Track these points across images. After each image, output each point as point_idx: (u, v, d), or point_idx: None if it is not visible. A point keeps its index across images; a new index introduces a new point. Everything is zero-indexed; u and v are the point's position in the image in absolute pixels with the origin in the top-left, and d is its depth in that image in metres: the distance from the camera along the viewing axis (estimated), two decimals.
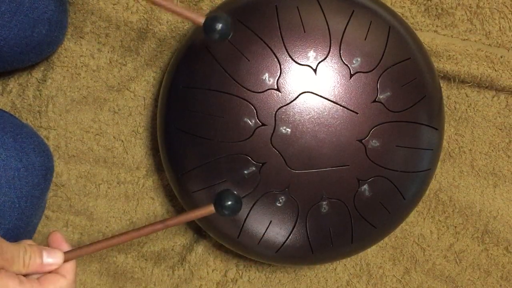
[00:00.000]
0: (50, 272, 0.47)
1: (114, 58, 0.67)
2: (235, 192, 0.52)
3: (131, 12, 0.66)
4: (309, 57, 0.54)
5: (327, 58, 0.54)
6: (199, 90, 0.56)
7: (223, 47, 0.56)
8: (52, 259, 0.47)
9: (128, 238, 0.49)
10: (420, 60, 0.58)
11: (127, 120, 0.68)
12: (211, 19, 0.48)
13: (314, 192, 0.56)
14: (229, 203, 0.50)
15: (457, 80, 0.68)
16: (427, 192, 0.70)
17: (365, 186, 0.56)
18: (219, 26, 0.48)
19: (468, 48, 0.67)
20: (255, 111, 0.54)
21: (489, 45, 0.68)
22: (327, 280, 0.72)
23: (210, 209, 0.50)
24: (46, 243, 0.49)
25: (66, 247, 0.49)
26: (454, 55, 0.67)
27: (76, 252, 0.49)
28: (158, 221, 0.49)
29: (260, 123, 0.54)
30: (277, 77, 0.54)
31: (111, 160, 0.69)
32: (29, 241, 0.48)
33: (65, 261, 0.48)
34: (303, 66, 0.54)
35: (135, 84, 0.68)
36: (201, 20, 0.48)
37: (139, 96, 0.68)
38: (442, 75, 0.68)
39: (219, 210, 0.50)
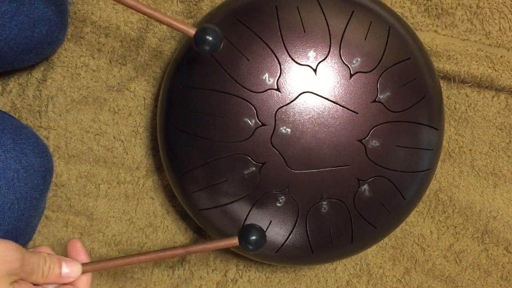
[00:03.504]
0: (66, 284, 0.47)
1: (114, 58, 0.67)
2: (260, 226, 0.52)
3: (131, 12, 0.66)
4: (309, 57, 0.54)
5: (327, 58, 0.54)
6: (199, 90, 0.56)
7: (223, 47, 0.56)
8: (70, 270, 0.47)
9: (147, 259, 0.49)
10: (420, 60, 0.58)
11: (127, 120, 0.68)
12: (201, 31, 0.48)
13: (314, 192, 0.56)
14: (254, 237, 0.50)
15: (457, 80, 0.68)
16: (427, 192, 0.70)
17: (365, 186, 0.56)
18: (209, 38, 0.48)
19: (468, 48, 0.67)
20: (255, 111, 0.54)
21: (489, 45, 0.68)
22: (327, 280, 0.72)
23: (234, 241, 0.50)
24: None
25: (85, 258, 0.49)
26: (454, 55, 0.67)
27: (94, 265, 0.48)
28: (180, 247, 0.49)
29: (260, 123, 0.54)
30: (277, 77, 0.54)
31: (111, 160, 0.69)
32: (48, 250, 0.48)
33: (83, 273, 0.48)
34: (303, 66, 0.54)
35: (135, 84, 0.68)
36: (192, 32, 0.48)
37: (139, 96, 0.68)
38: (442, 75, 0.68)
39: (243, 244, 0.50)
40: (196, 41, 0.48)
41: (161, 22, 0.48)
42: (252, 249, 0.51)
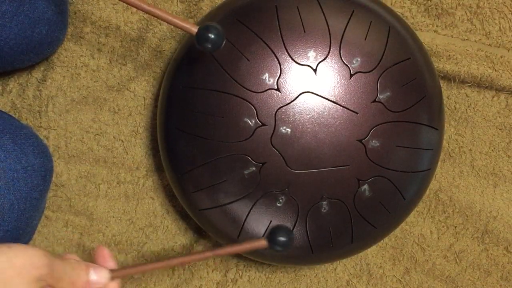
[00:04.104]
0: None
1: (114, 58, 0.67)
2: (287, 227, 0.51)
3: (131, 12, 0.66)
4: (309, 57, 0.54)
5: (327, 58, 0.54)
6: (199, 90, 0.56)
7: (223, 47, 0.56)
8: (98, 277, 0.46)
9: (175, 263, 0.49)
10: (420, 60, 0.58)
11: (127, 120, 0.68)
12: (203, 29, 0.48)
13: (314, 192, 0.56)
14: (282, 239, 0.49)
15: (457, 80, 0.68)
16: (427, 192, 0.70)
17: (365, 186, 0.56)
18: (212, 36, 0.48)
19: (468, 48, 0.67)
20: (255, 111, 0.54)
21: (489, 45, 0.68)
22: (327, 280, 0.72)
23: (263, 242, 0.50)
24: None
25: (112, 264, 0.48)
26: (454, 55, 0.67)
27: (122, 272, 0.48)
28: (208, 250, 0.49)
29: (260, 123, 0.54)
30: (277, 77, 0.54)
31: (111, 160, 0.69)
32: (75, 257, 0.48)
33: (111, 279, 0.47)
34: (303, 66, 0.54)
35: (135, 84, 0.68)
36: (194, 30, 0.49)
37: (139, 96, 0.68)
38: (442, 75, 0.68)
39: (272, 245, 0.50)
40: (198, 39, 0.48)
41: (163, 20, 0.48)
42: (280, 250, 0.50)
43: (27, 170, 0.55)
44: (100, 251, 0.49)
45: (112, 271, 0.47)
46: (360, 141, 0.55)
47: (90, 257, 0.70)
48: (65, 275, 0.44)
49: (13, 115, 0.66)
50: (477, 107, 0.69)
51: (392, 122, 0.55)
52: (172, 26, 0.67)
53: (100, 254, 0.49)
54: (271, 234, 0.50)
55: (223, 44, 0.49)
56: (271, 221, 0.57)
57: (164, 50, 0.68)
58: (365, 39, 0.55)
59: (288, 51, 0.54)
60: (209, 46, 0.49)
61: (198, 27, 0.49)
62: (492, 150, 0.70)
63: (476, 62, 0.67)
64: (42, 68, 0.67)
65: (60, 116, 0.67)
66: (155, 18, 0.66)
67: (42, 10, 0.56)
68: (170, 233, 0.71)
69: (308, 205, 0.56)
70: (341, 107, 0.54)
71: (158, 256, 0.71)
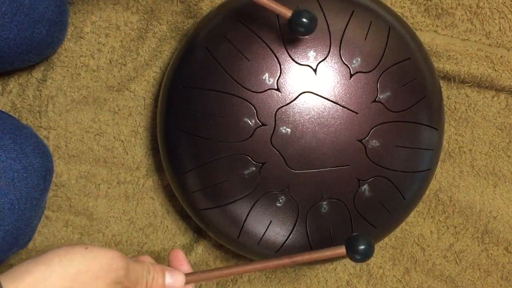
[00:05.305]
0: None
1: (114, 58, 0.67)
2: (368, 235, 0.50)
3: (131, 12, 0.66)
4: (309, 57, 0.54)
5: (327, 58, 0.54)
6: (199, 90, 0.56)
7: (223, 47, 0.56)
8: (174, 280, 0.46)
9: (251, 269, 0.48)
10: (420, 60, 0.58)
11: (127, 120, 0.68)
12: (297, 13, 0.49)
13: (314, 192, 0.56)
14: (362, 247, 0.48)
15: (457, 80, 0.68)
16: (427, 192, 0.70)
17: (365, 186, 0.56)
18: (305, 20, 0.49)
19: (468, 48, 0.67)
20: (255, 111, 0.54)
21: (489, 45, 0.68)
22: (327, 280, 0.72)
23: (342, 251, 0.49)
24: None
25: (187, 268, 0.48)
26: (454, 55, 0.67)
27: (197, 276, 0.47)
28: (286, 256, 0.48)
29: (260, 123, 0.54)
30: (277, 77, 0.54)
31: (111, 160, 0.69)
32: (150, 259, 0.48)
33: (186, 283, 0.47)
34: (303, 66, 0.54)
35: (135, 84, 0.68)
36: (288, 14, 0.50)
37: (139, 96, 0.68)
38: (442, 75, 0.68)
39: (351, 255, 0.49)
40: (291, 23, 0.50)
41: (258, 3, 0.50)
42: (359, 260, 0.48)
43: (27, 170, 0.55)
44: (175, 254, 0.49)
45: (187, 275, 0.47)
46: (360, 141, 0.55)
47: None
48: (142, 278, 0.44)
49: (13, 115, 0.66)
50: (477, 107, 0.69)
51: (392, 122, 0.55)
52: (172, 26, 0.67)
53: (175, 257, 0.49)
54: (351, 243, 0.48)
55: (315, 30, 0.50)
56: (271, 221, 0.57)
57: (164, 50, 0.68)
58: (365, 39, 0.55)
59: (288, 51, 0.54)
60: (302, 30, 0.50)
61: (292, 11, 0.50)
62: (492, 150, 0.70)
63: (476, 62, 0.67)
64: (42, 68, 0.67)
65: (60, 116, 0.67)
66: (155, 18, 0.66)
67: (42, 10, 0.56)
68: (170, 233, 0.71)
69: (308, 205, 0.56)
70: (341, 107, 0.54)
71: (158, 255, 0.71)
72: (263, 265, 0.48)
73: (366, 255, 0.48)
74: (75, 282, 0.39)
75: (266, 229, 0.58)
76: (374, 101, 0.55)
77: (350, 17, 0.56)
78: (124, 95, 0.68)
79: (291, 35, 0.54)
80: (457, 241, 0.72)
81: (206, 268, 0.71)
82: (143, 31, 0.67)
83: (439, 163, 0.69)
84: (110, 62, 0.67)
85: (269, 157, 0.55)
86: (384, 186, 0.57)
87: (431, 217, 0.72)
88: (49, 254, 0.40)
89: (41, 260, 0.39)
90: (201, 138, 0.56)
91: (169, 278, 0.46)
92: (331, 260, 0.66)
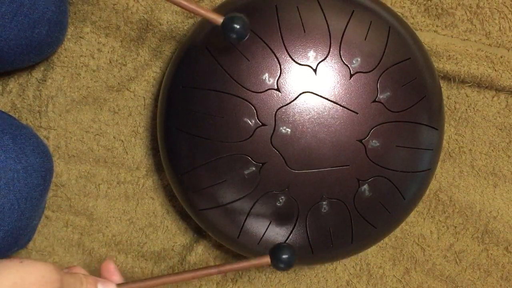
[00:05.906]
0: None
1: (114, 58, 0.67)
2: (291, 245, 0.52)
3: (131, 12, 0.66)
4: (309, 57, 0.54)
5: (327, 58, 0.54)
6: (199, 90, 0.56)
7: (223, 47, 0.56)
8: None
9: (181, 278, 0.50)
10: (420, 60, 0.58)
11: (127, 120, 0.68)
12: (229, 19, 0.49)
13: (314, 192, 0.56)
14: (285, 256, 0.50)
15: (457, 80, 0.68)
16: (427, 192, 0.70)
17: (365, 186, 0.56)
18: (237, 26, 0.49)
19: (468, 48, 0.67)
20: (255, 111, 0.54)
21: (489, 45, 0.68)
22: (327, 280, 0.72)
23: (266, 260, 0.51)
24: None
25: (119, 278, 0.50)
26: (454, 55, 0.67)
27: (129, 286, 0.49)
28: (213, 266, 0.50)
29: (260, 123, 0.54)
30: (277, 77, 0.54)
31: (111, 160, 0.69)
32: (81, 270, 0.49)
33: None
34: (303, 66, 0.54)
35: (135, 84, 0.68)
36: (220, 20, 0.49)
37: (139, 96, 0.68)
38: (442, 75, 0.68)
39: (275, 263, 0.51)
40: (224, 29, 0.49)
41: (189, 10, 0.49)
42: (283, 268, 0.51)
43: (27, 170, 0.55)
44: (106, 265, 0.50)
45: (118, 285, 0.49)
46: (360, 141, 0.55)
47: (90, 258, 0.70)
48: None
49: (13, 115, 0.66)
50: (477, 107, 0.69)
51: (392, 122, 0.55)
52: (172, 26, 0.67)
53: (106, 268, 0.50)
54: (274, 252, 0.50)
55: (247, 36, 0.50)
56: (271, 221, 0.57)
57: (164, 50, 0.68)
58: (365, 39, 0.55)
59: (288, 51, 0.54)
60: (234, 36, 0.49)
61: (223, 17, 0.49)
62: (492, 150, 0.70)
63: (476, 62, 0.67)
64: (42, 68, 0.67)
65: (60, 116, 0.67)
66: (155, 18, 0.66)
67: (42, 11, 0.56)
68: (170, 233, 0.71)
69: (308, 205, 0.56)
70: (341, 107, 0.54)
71: (158, 255, 0.71)
72: (192, 274, 0.50)
73: (288, 264, 0.50)
74: None
75: (266, 229, 0.58)
76: (374, 101, 0.55)
77: (350, 17, 0.56)
78: (124, 95, 0.68)
79: (290, 35, 0.54)
80: (457, 241, 0.72)
81: None
82: (143, 31, 0.67)
83: (439, 163, 0.69)
84: (110, 62, 0.67)
85: (269, 157, 0.55)
86: (384, 186, 0.57)
87: (431, 217, 0.72)
88: None
89: None
90: (201, 138, 0.56)
91: None
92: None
